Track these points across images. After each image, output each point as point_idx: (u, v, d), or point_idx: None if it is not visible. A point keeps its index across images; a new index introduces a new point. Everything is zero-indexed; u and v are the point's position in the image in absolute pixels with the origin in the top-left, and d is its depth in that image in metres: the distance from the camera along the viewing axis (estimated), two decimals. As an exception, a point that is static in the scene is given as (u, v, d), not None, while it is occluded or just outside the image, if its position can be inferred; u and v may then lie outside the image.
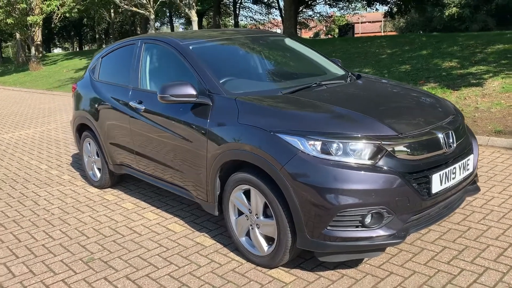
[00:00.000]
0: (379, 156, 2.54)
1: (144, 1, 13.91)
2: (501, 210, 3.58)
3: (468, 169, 2.94)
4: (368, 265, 2.92)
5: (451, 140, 2.80)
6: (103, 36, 46.62)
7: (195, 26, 13.36)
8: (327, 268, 2.91)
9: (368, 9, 24.14)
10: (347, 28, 33.94)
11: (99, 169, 4.88)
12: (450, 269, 2.79)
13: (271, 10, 34.23)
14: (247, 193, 2.99)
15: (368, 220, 2.51)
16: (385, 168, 2.53)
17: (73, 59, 26.34)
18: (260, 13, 33.08)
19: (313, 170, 2.53)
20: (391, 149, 2.57)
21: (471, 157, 2.97)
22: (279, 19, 36.09)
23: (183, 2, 12.69)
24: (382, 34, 33.73)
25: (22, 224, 4.08)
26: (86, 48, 51.93)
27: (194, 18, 13.26)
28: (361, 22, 40.11)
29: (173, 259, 3.22)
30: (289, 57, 4.17)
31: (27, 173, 5.72)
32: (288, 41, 4.35)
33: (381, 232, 2.54)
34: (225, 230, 3.61)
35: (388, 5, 23.20)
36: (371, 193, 2.47)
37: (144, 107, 3.77)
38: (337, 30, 37.73)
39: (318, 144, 2.56)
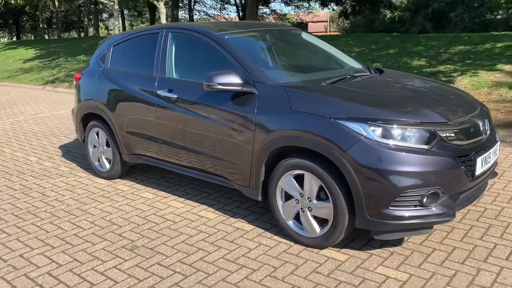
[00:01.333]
0: (434, 141, 2.77)
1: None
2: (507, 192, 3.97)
3: (496, 154, 3.26)
4: (410, 243, 3.15)
5: (486, 127, 3.10)
6: (45, 26, 44.27)
7: (163, 19, 13.17)
8: (373, 247, 3.12)
9: (325, 8, 24.84)
10: (301, 27, 34.66)
11: (108, 159, 4.79)
12: (485, 244, 3.09)
13: (225, 6, 34.12)
14: (296, 178, 3.13)
15: (426, 200, 2.74)
16: (440, 152, 2.77)
17: (17, 49, 24.85)
18: (214, 8, 32.77)
19: (376, 155, 2.71)
20: (444, 134, 2.81)
21: (498, 143, 3.30)
22: (233, 15, 36.16)
23: (152, -6, 12.49)
24: (328, 34, 34.64)
25: (40, 215, 3.95)
26: (24, 37, 49.01)
27: (163, 10, 13.07)
28: (311, 22, 41.03)
29: (220, 244, 3.29)
30: (313, 50, 4.33)
31: (18, 165, 5.48)
32: (305, 35, 4.51)
33: (435, 211, 2.79)
34: (260, 215, 3.73)
35: (343, 5, 23.98)
36: (430, 174, 2.71)
37: (176, 96, 3.78)
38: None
39: (380, 130, 2.75)
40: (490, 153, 3.08)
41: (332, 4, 24.38)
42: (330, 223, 2.99)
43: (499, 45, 9.88)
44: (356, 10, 23.55)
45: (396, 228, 2.81)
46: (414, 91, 3.38)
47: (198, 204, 4.06)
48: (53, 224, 3.75)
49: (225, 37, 3.69)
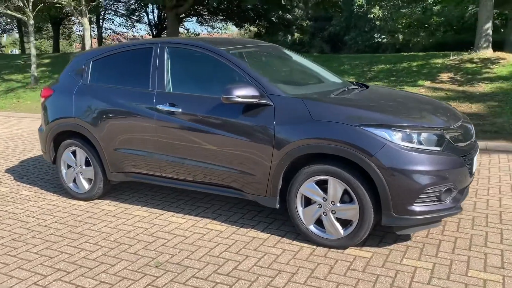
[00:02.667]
0: (444, 143, 3.16)
1: (21, 4, 12.59)
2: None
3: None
4: (417, 237, 3.50)
5: (473, 131, 3.59)
6: None
7: (87, 35, 12.62)
8: (388, 243, 3.41)
9: (241, 29, 25.61)
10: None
11: (88, 179, 4.55)
12: (478, 233, 3.55)
13: (135, 24, 33.48)
14: (317, 184, 3.32)
15: (442, 195, 3.11)
16: (450, 152, 3.16)
17: None
18: (125, 26, 31.88)
19: (401, 157, 3.02)
20: (449, 137, 3.22)
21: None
22: (143, 33, 35.48)
23: (78, 9, 11.90)
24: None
25: (31, 242, 3.65)
26: None
27: (87, 26, 12.51)
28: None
29: (245, 253, 3.34)
30: (300, 64, 4.57)
31: (-28, 192, 4.95)
32: (287, 51, 4.77)
33: (448, 205, 3.16)
34: (268, 224, 3.84)
35: (257, 27, 24.97)
36: (445, 172, 3.08)
37: (180, 110, 3.78)
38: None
39: (402, 135, 3.07)
40: (477, 154, 3.57)
41: (247, 24, 25.27)
42: (355, 223, 3.22)
43: (414, 63, 11.11)
44: (270, 31, 24.66)
45: (417, 222, 3.13)
46: (409, 101, 3.79)
47: (200, 218, 4.05)
48: (52, 250, 3.50)
49: (230, 52, 3.79)
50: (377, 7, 31.26)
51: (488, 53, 10.65)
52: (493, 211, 3.98)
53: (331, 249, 3.34)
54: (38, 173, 5.70)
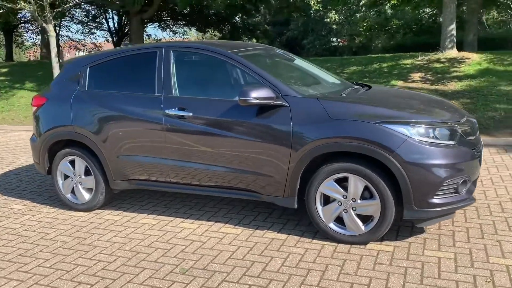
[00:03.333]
0: (457, 137, 3.30)
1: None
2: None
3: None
4: (430, 229, 3.61)
5: (477, 126, 3.76)
6: None
7: (53, 42, 12.16)
8: (405, 236, 3.50)
9: (205, 34, 25.51)
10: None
11: (88, 189, 4.40)
12: (486, 222, 3.71)
13: (92, 31, 32.55)
14: (337, 181, 3.38)
15: (459, 186, 3.23)
16: (463, 146, 3.30)
17: None
18: (82, 33, 30.94)
19: (421, 152, 3.12)
20: (460, 131, 3.35)
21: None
22: (101, 40, 34.56)
23: (43, 16, 11.44)
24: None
25: (41, 256, 3.49)
26: None
27: (52, 33, 12.06)
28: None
29: (269, 254, 3.34)
30: (300, 65, 4.61)
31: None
32: (282, 52, 4.81)
33: (464, 196, 3.29)
34: (283, 224, 3.85)
35: (221, 32, 24.95)
36: (461, 165, 3.21)
37: (191, 114, 3.73)
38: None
39: (420, 130, 3.17)
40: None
41: (210, 29, 25.21)
42: (376, 219, 3.29)
43: (385, 65, 11.45)
44: (235, 36, 24.69)
45: (437, 214, 3.23)
46: (416, 99, 3.92)
47: (211, 222, 4.01)
48: (67, 263, 3.36)
49: (239, 55, 3.79)
50: (333, 12, 32.11)
51: (454, 53, 11.14)
52: (492, 201, 4.17)
53: (353, 246, 3.39)
54: (24, 186, 5.46)
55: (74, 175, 4.41)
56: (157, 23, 26.23)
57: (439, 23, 20.34)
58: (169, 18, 25.63)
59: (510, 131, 6.75)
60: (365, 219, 3.37)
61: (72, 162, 4.42)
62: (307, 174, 3.47)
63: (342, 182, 3.37)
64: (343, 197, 3.37)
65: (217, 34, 25.93)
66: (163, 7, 20.08)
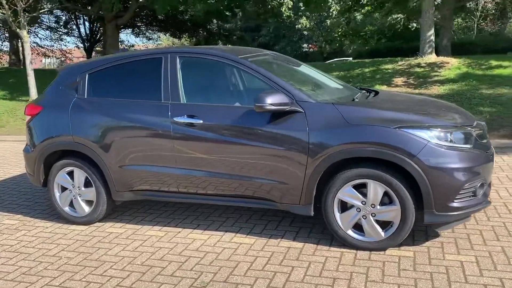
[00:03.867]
0: (472, 140, 3.32)
1: None
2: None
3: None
4: (445, 233, 3.62)
5: (486, 129, 3.80)
6: None
7: (27, 48, 11.74)
8: (421, 241, 3.49)
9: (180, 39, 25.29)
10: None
11: (88, 201, 4.22)
12: (497, 224, 3.75)
13: (62, 37, 31.72)
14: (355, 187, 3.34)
15: (477, 190, 3.25)
16: (479, 149, 3.32)
17: None
18: (51, 39, 30.06)
19: (442, 156, 3.12)
20: (475, 134, 3.38)
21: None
22: (71, 46, 33.72)
23: (17, 21, 11.03)
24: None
25: (46, 274, 3.31)
26: None
27: (26, 39, 11.64)
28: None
29: (289, 264, 3.26)
30: (306, 71, 4.55)
31: None
32: (289, 58, 4.76)
33: (481, 199, 3.31)
34: (295, 232, 3.78)
35: (196, 38, 24.82)
36: (479, 168, 3.23)
37: (201, 121, 3.63)
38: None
39: (439, 135, 3.18)
40: (491, 149, 3.80)
41: (185, 35, 25.05)
42: (396, 224, 3.27)
43: (366, 70, 11.61)
44: (209, 42, 24.62)
45: (456, 218, 3.24)
46: (427, 103, 3.94)
47: (221, 232, 3.90)
48: (77, 280, 3.19)
49: (249, 60, 3.72)
50: (304, 18, 32.53)
51: (433, 58, 11.42)
52: (498, 203, 4.23)
53: (372, 252, 3.35)
54: (12, 199, 5.19)
55: (73, 187, 4.22)
56: (130, 29, 25.84)
57: (411, 29, 20.93)
58: (142, 24, 25.31)
59: (498, 133, 6.92)
60: (383, 225, 3.35)
61: (70, 174, 4.23)
62: (321, 181, 3.42)
63: (359, 188, 3.34)
64: (362, 203, 3.33)
65: (193, 40, 25.74)
66: (138, 13, 19.76)
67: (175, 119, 3.71)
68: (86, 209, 4.22)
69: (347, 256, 3.33)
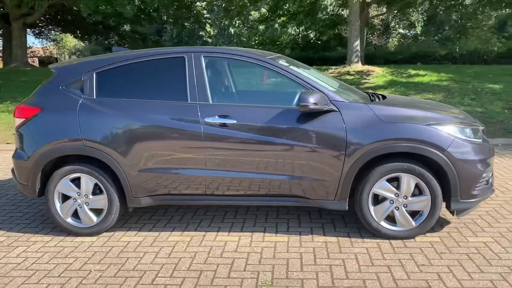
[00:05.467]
0: (481, 135, 3.79)
1: None
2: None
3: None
4: (452, 219, 4.05)
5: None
6: None
7: None
8: (439, 228, 3.86)
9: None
10: (52, 60, 31.47)
11: (96, 210, 3.91)
12: (495, 205, 4.30)
13: None
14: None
15: (490, 178, 3.71)
16: (486, 142, 3.80)
17: None
18: None
19: (466, 149, 3.52)
20: (481, 129, 3.86)
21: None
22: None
23: None
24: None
25: (69, 284, 3.03)
26: None
27: None
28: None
29: (337, 257, 3.39)
30: (317, 74, 4.64)
31: None
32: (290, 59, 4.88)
33: (490, 187, 3.79)
34: (320, 227, 3.93)
35: (108, 40, 23.67)
36: (490, 160, 3.70)
37: (235, 121, 3.61)
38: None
39: (463, 130, 3.59)
40: (484, 144, 4.33)
41: (96, 37, 23.74)
42: (425, 213, 3.59)
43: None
44: (123, 44, 23.65)
45: (474, 204, 3.66)
46: (436, 105, 4.36)
47: (248, 232, 3.90)
48: (128, 291, 2.98)
49: (276, 61, 3.80)
50: (208, 25, 32.83)
51: (359, 66, 12.37)
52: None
53: (404, 240, 3.63)
54: (-21, 215, 4.58)
55: (79, 195, 3.88)
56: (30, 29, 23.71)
57: (323, 40, 22.34)
58: (45, 24, 23.43)
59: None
60: (412, 214, 3.65)
61: (73, 181, 3.89)
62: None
63: (391, 182, 3.61)
64: (395, 195, 3.60)
65: (105, 42, 24.49)
66: (49, 11, 18.28)
67: (207, 119, 3.64)
68: (94, 218, 3.90)
69: (385, 245, 3.57)
